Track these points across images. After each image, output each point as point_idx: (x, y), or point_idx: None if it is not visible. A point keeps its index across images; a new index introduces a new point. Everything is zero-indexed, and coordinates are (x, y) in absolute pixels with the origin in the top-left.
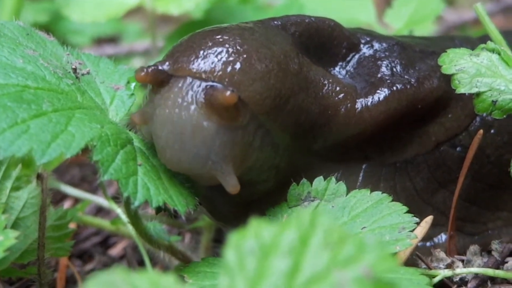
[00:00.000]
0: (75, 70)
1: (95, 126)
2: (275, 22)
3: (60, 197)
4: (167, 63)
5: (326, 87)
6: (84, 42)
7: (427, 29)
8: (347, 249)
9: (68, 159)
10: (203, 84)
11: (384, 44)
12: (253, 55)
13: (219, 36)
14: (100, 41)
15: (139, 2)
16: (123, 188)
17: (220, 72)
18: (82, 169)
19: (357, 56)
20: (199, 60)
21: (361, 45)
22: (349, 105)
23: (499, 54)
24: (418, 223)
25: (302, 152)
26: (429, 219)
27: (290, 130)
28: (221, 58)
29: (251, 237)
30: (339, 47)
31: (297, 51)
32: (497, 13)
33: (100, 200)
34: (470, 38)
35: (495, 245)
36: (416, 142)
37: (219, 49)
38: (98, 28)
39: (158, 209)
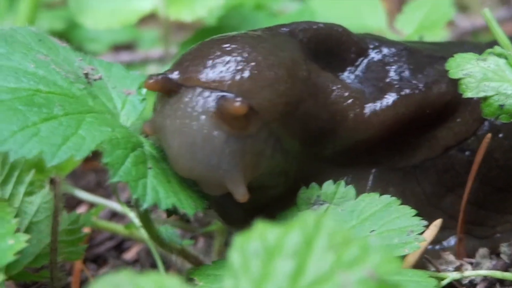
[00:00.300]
0: (86, 75)
1: (105, 130)
2: (284, 29)
3: (75, 202)
4: (176, 72)
5: (334, 93)
6: (101, 49)
7: (438, 35)
8: (351, 251)
9: (83, 164)
10: (213, 94)
11: (393, 49)
12: (262, 63)
13: (227, 45)
14: (116, 48)
15: (153, 9)
16: (133, 190)
17: (229, 81)
18: (97, 174)
19: (365, 61)
20: (208, 69)
21: (370, 50)
22: (357, 110)
23: (506, 58)
24: (426, 226)
25: (311, 158)
26: (438, 222)
27: (299, 137)
28: (230, 67)
29: (256, 239)
30: (347, 52)
31: (305, 57)
32: (510, 20)
33: (114, 205)
34: (480, 44)
35: (503, 248)
36: (425, 146)
37: (228, 58)
38: (114, 35)
39: (169, 212)
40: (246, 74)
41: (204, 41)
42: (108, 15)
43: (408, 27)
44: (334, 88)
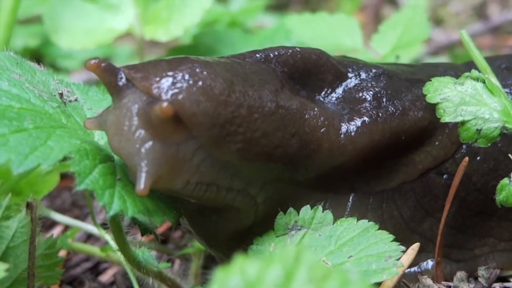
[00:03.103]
0: (61, 95)
1: (75, 142)
2: (258, 56)
3: (50, 222)
4: (132, 69)
5: (308, 122)
6: (75, 66)
7: (415, 51)
8: (331, 285)
9: (59, 184)
10: (151, 99)
11: (371, 74)
12: (222, 98)
13: (198, 69)
14: None
15: (128, 28)
16: (99, 198)
17: (181, 101)
18: (73, 194)
19: (343, 85)
20: (165, 81)
21: (348, 74)
22: (332, 138)
23: (483, 82)
24: (404, 251)
25: (285, 182)
26: (415, 246)
27: (264, 164)
28: (191, 90)
29: (236, 273)
30: (326, 73)
31: (276, 86)
32: (486, 33)
33: (90, 227)
34: (454, 64)
35: (481, 271)
36: (402, 171)
37: (192, 81)
38: (88, 52)
39: (144, 230)
40: (202, 104)
41: (182, 56)
42: (83, 35)
43: (384, 47)
44: (307, 116)
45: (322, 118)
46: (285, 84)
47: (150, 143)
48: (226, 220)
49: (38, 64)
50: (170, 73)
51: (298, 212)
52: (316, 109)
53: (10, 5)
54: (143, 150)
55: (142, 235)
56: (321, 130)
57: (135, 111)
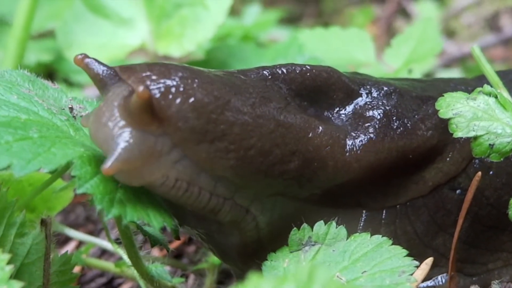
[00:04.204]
0: (71, 109)
1: (78, 149)
2: (264, 72)
3: (64, 238)
4: (126, 69)
5: (311, 140)
6: (87, 81)
7: (427, 64)
8: None
9: (73, 200)
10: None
11: (382, 91)
12: (213, 116)
13: (195, 84)
14: None
15: (141, 44)
16: (97, 202)
17: (173, 112)
18: (86, 208)
19: (354, 102)
20: (158, 86)
21: (360, 91)
22: (337, 156)
23: (495, 97)
24: (418, 266)
25: (289, 197)
26: (429, 261)
27: (262, 180)
28: (180, 106)
29: None
30: (336, 91)
31: (280, 104)
32: (498, 45)
33: (104, 243)
34: (465, 80)
35: (495, 286)
36: (411, 188)
37: (184, 95)
38: None
39: (153, 241)
40: (190, 121)
41: (184, 65)
42: (96, 50)
43: (396, 61)
44: (311, 135)
45: (326, 137)
46: (290, 101)
47: (128, 129)
48: (228, 235)
49: (52, 82)
50: (167, 82)
51: (312, 228)
52: (320, 127)
53: (24, 20)
54: (119, 134)
55: (152, 246)
56: (326, 149)
57: (116, 103)
